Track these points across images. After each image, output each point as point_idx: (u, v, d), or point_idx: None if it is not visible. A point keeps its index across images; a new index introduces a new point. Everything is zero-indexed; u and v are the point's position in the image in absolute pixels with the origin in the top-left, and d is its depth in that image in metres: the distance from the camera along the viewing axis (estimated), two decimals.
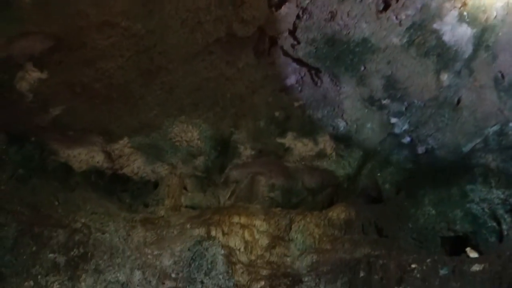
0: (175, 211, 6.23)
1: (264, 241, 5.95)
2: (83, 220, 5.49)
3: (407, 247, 5.80)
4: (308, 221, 6.09)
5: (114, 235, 5.55)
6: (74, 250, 5.25)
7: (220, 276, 5.55)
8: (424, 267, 5.12)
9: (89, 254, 5.32)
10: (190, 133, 6.13)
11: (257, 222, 6.06)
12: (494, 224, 5.58)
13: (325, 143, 6.41)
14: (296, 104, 6.08)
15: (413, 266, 5.16)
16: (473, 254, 5.38)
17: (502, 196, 5.57)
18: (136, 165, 6.24)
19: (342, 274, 5.41)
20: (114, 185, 6.26)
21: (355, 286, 5.20)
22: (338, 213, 6.20)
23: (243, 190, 6.77)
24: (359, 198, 6.39)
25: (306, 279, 5.53)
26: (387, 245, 5.81)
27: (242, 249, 5.85)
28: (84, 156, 6.00)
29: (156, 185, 6.44)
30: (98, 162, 6.08)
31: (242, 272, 5.66)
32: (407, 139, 6.18)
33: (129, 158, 6.16)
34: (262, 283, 5.54)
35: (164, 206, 6.23)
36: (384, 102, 5.86)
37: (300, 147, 6.45)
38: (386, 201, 6.28)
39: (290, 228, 6.03)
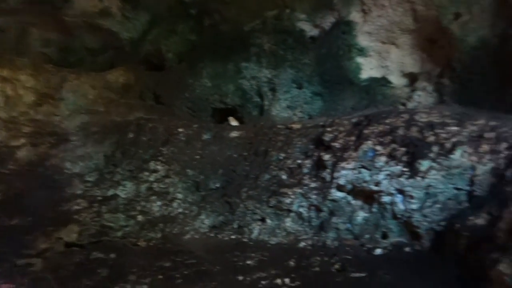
0: None
1: (29, 97, 5.82)
2: None
3: (181, 114, 6.46)
4: (83, 81, 6.13)
5: None
6: None
7: None
8: (190, 132, 5.82)
9: None
10: None
11: (23, 77, 5.84)
12: (259, 99, 6.57)
13: (111, 0, 6.29)
14: None
15: (180, 130, 5.80)
16: (234, 123, 6.34)
17: (269, 76, 6.51)
18: None
19: (111, 135, 5.77)
20: None
21: (123, 146, 5.64)
22: (116, 76, 6.37)
23: (10, 40, 6.31)
24: (141, 64, 6.64)
25: (73, 138, 5.72)
26: (161, 111, 6.35)
27: (1, 104, 5.64)
28: None
29: None
30: None
31: (0, 129, 5.54)
32: (195, 10, 6.52)
33: None
34: (23, 140, 5.54)
35: None
36: None
37: (82, 0, 6.20)
38: (167, 70, 6.70)
39: (62, 87, 6.00)
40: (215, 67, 6.44)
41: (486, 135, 4.36)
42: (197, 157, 5.34)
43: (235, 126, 6.09)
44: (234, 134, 5.73)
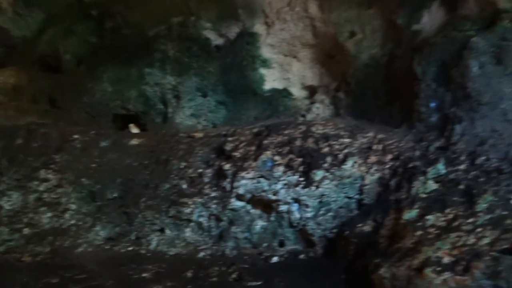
0: None
1: None
2: None
3: (78, 119, 6.14)
4: None
5: None
6: None
7: None
8: (87, 138, 5.55)
9: None
10: None
11: None
12: (162, 106, 6.47)
13: None
14: None
15: (75, 136, 5.50)
16: (134, 130, 6.17)
17: (173, 83, 6.43)
18: None
19: None
20: None
21: (10, 153, 5.22)
22: (6, 77, 5.92)
23: None
24: (35, 65, 6.23)
25: None
26: (56, 115, 5.99)
27: None
28: None
29: None
30: None
31: None
32: (96, 11, 6.27)
33: None
34: None
35: None
36: None
37: None
38: (65, 72, 6.35)
39: None
40: (116, 71, 6.23)
41: (374, 147, 4.69)
42: (94, 165, 5.10)
43: (136, 133, 5.93)
44: (134, 141, 5.57)
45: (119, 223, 4.71)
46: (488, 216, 3.22)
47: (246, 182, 4.65)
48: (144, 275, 4.02)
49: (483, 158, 4.00)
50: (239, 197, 4.64)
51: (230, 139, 5.10)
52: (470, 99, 4.58)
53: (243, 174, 4.69)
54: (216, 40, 6.33)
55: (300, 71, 6.25)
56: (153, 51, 6.34)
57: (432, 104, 4.82)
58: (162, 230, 4.64)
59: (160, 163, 5.16)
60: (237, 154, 4.88)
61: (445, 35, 4.95)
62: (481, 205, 3.32)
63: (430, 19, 5.25)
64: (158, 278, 3.96)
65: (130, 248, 4.52)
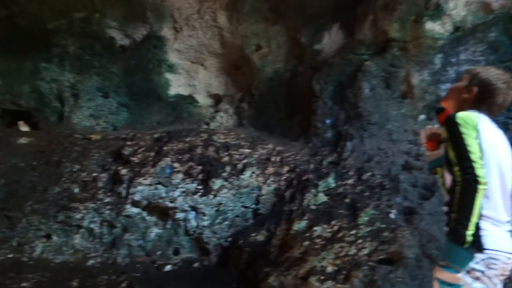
0: None
1: None
2: None
3: None
4: None
5: None
6: None
7: None
8: None
9: None
10: None
11: None
12: (58, 104, 6.09)
13: None
14: None
15: None
16: (24, 128, 5.74)
17: (72, 80, 6.09)
18: None
19: None
20: None
21: None
22: None
23: None
24: None
25: None
26: None
27: None
28: None
29: None
30: None
31: None
32: None
33: None
34: None
35: None
36: None
37: None
38: None
39: None
40: (8, 63, 5.78)
41: (273, 158, 4.84)
42: None
43: (26, 131, 5.53)
44: (23, 140, 5.20)
45: (0, 228, 4.34)
46: (369, 229, 3.47)
47: (143, 188, 4.55)
48: (23, 285, 3.75)
49: (369, 174, 4.31)
50: (135, 204, 4.52)
51: (129, 143, 4.96)
52: (361, 119, 4.92)
53: (140, 180, 4.58)
54: (121, 40, 6.14)
55: (206, 79, 6.28)
56: (51, 45, 5.98)
57: (328, 121, 5.11)
58: (48, 236, 4.36)
59: (50, 165, 4.86)
60: (135, 159, 4.76)
61: (342, 57, 5.29)
62: (363, 218, 3.57)
63: (330, 40, 5.57)
64: None
65: (10, 256, 4.19)
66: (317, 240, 3.49)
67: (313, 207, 3.94)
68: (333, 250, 3.36)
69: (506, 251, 1.78)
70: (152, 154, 4.72)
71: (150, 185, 4.51)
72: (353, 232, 3.45)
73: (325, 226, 3.57)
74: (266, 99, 5.86)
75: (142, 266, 4.24)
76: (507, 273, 1.83)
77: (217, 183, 4.51)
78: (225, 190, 4.49)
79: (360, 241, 3.36)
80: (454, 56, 4.84)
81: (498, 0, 4.64)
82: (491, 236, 1.76)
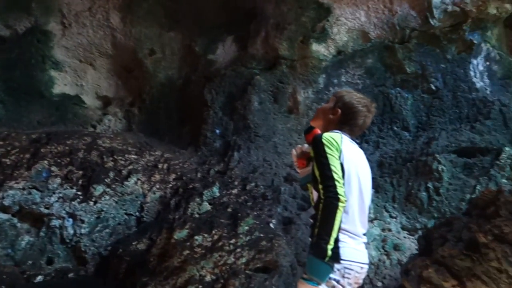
0: None
1: None
2: None
3: None
4: None
5: None
6: None
7: None
8: None
9: None
10: None
11: None
12: None
13: None
14: None
15: None
16: None
17: None
18: None
19: None
20: None
21: None
22: None
23: None
24: None
25: None
26: None
27: None
28: None
29: None
30: None
31: None
32: None
33: None
34: None
35: None
36: None
37: None
38: None
39: None
40: None
41: (160, 165, 4.78)
42: None
43: None
44: None
45: None
46: (248, 238, 3.57)
47: (14, 193, 4.21)
48: None
49: (253, 184, 4.44)
50: (4, 209, 4.16)
51: (1, 143, 4.55)
52: (249, 130, 5.07)
53: (11, 183, 4.24)
54: (1, 30, 5.64)
55: (95, 79, 6.01)
56: None
57: (217, 131, 5.18)
58: None
59: None
60: (7, 160, 4.39)
61: (234, 69, 5.41)
62: (243, 227, 3.67)
63: (224, 52, 5.67)
64: None
65: None
66: (197, 249, 3.51)
67: (196, 215, 3.95)
68: (212, 259, 3.40)
69: (360, 261, 1.94)
70: (28, 156, 4.39)
71: (23, 189, 4.19)
72: (232, 241, 3.53)
73: (205, 235, 3.60)
74: (157, 105, 5.78)
75: (9, 277, 3.90)
76: (361, 281, 2.00)
77: (98, 189, 4.33)
78: (107, 197, 4.33)
79: (238, 250, 3.45)
80: (336, 77, 5.21)
81: (375, 30, 5.10)
82: (348, 248, 1.89)
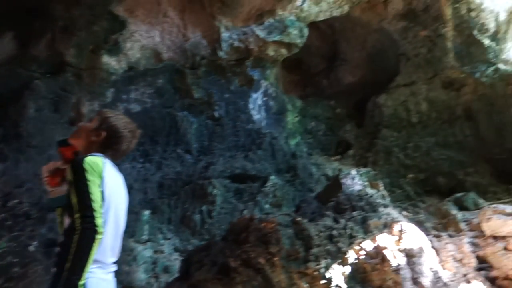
0: None
1: None
2: None
3: None
4: None
5: None
6: None
7: None
8: None
9: None
10: None
11: None
12: None
13: None
14: None
15: None
16: None
17: None
18: None
19: None
20: None
21: None
22: None
23: None
24: None
25: None
26: None
27: None
28: None
29: None
30: None
31: None
32: None
33: None
34: None
35: None
36: None
37: None
38: None
39: None
40: None
41: None
42: None
43: None
44: None
45: None
46: None
47: None
48: None
49: (16, 201, 3.98)
50: None
51: None
52: (21, 140, 4.55)
53: None
54: None
55: None
56: None
57: None
58: None
59: None
60: None
61: (11, 68, 4.82)
62: None
63: (1, 48, 5.00)
64: None
65: None
66: None
67: None
68: None
69: None
70: None
71: None
72: None
73: None
74: None
75: None
76: None
77: None
78: None
79: None
80: (125, 93, 5.10)
81: (168, 52, 5.18)
82: (95, 278, 1.80)
